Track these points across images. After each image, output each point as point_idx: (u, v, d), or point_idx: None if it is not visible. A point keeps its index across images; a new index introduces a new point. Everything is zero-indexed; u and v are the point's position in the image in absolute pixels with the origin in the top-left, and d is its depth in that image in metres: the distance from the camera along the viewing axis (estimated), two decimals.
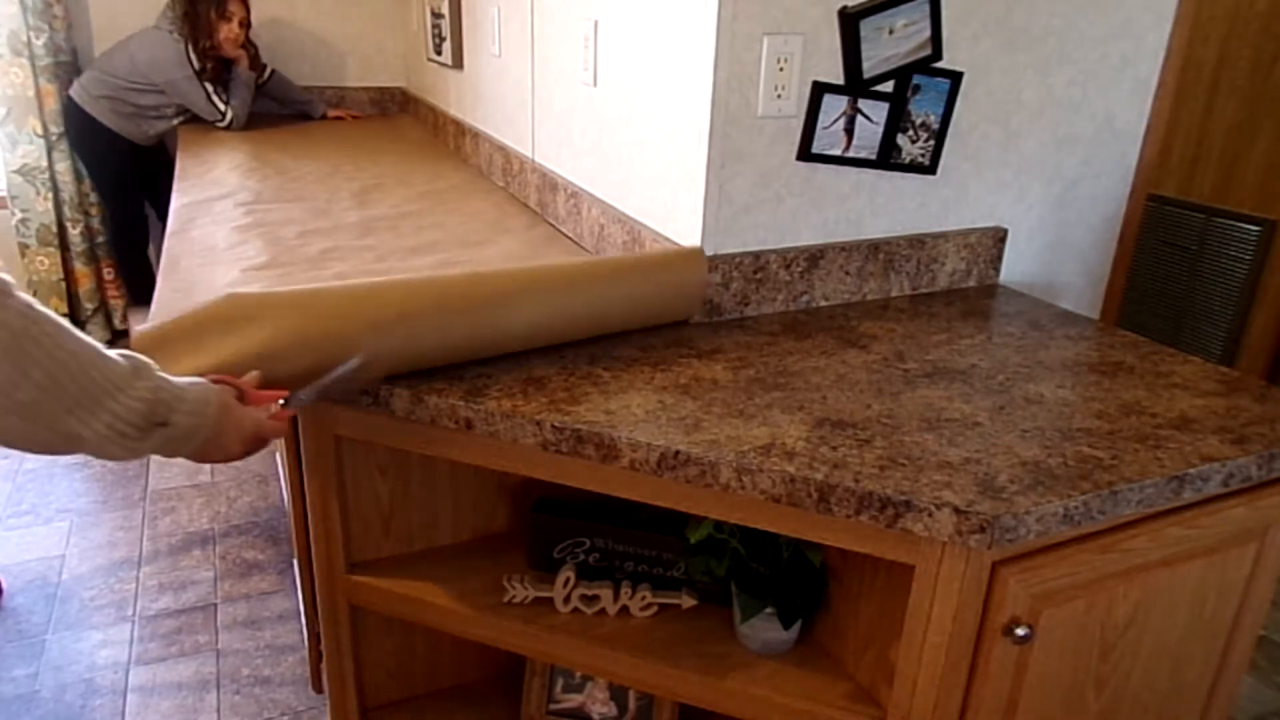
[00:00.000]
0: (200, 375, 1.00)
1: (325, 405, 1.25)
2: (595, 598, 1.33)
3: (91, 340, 0.86)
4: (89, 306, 3.41)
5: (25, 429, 0.82)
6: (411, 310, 1.17)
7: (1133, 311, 3.14)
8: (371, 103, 3.71)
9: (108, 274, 3.46)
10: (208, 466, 2.72)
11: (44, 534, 2.39)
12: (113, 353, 0.88)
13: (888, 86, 1.46)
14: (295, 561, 1.81)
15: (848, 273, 1.56)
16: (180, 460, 2.67)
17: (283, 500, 2.52)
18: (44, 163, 3.22)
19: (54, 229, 3.28)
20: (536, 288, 1.25)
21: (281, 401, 1.07)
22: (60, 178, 3.26)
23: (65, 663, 1.96)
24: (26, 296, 0.81)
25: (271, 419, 1.04)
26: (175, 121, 3.18)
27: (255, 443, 1.03)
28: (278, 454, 2.34)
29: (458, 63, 2.73)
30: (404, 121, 3.50)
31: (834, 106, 1.44)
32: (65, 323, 0.84)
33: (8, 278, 0.80)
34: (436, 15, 2.86)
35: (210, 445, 0.97)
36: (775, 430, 1.10)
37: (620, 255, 1.47)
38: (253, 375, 1.07)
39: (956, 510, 0.95)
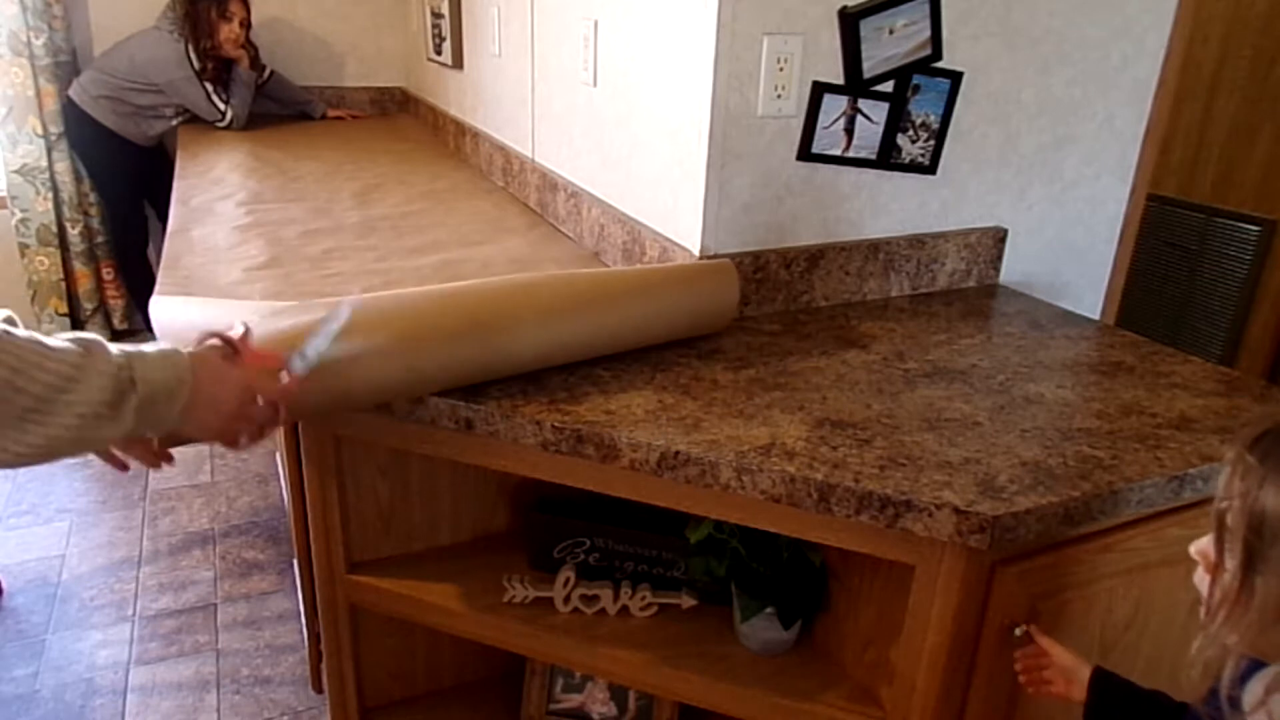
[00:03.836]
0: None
1: (326, 407, 1.24)
2: (595, 598, 1.33)
3: (34, 336, 0.81)
4: (89, 306, 3.41)
5: None
6: (453, 327, 1.13)
7: (1133, 311, 3.12)
8: (371, 103, 3.71)
9: (107, 274, 3.46)
10: (208, 466, 2.72)
11: (44, 534, 2.39)
12: (59, 340, 0.82)
13: (888, 86, 1.46)
14: (295, 561, 1.81)
15: (848, 273, 1.56)
16: (180, 460, 2.68)
17: (283, 500, 2.52)
18: (44, 163, 3.21)
19: (54, 229, 3.27)
20: (576, 306, 1.22)
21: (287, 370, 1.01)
22: (60, 178, 3.26)
23: (65, 663, 1.96)
24: None
25: (283, 388, 0.99)
26: (175, 121, 3.18)
27: (251, 402, 0.96)
28: (278, 454, 2.34)
29: (458, 63, 2.73)
30: (404, 121, 3.50)
31: (834, 106, 1.44)
32: (2, 328, 0.79)
33: None
34: (436, 15, 2.86)
35: (202, 407, 0.91)
36: (775, 430, 1.10)
37: (653, 268, 1.38)
38: (239, 328, 1.00)
39: (956, 510, 0.95)
